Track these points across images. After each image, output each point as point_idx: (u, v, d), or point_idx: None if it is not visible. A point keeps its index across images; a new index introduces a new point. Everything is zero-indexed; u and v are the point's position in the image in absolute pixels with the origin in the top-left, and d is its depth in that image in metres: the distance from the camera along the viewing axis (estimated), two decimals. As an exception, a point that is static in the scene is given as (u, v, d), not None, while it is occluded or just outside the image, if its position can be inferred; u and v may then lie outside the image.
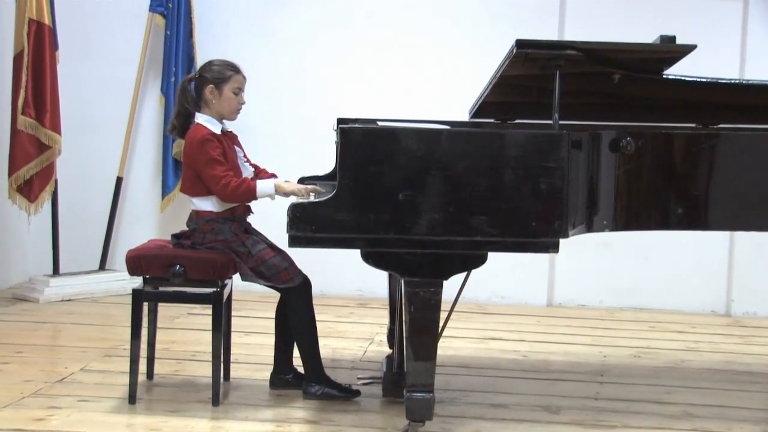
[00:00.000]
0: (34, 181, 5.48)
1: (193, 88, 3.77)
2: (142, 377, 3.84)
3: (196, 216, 3.76)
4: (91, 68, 6.07)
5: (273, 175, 3.89)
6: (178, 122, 3.81)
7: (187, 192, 3.78)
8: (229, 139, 3.79)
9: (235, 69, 3.78)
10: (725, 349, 4.96)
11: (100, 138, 6.08)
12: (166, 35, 5.84)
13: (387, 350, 4.36)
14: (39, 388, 3.83)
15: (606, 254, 5.90)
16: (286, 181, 3.73)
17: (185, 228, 3.81)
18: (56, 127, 5.48)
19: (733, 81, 3.93)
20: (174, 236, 3.79)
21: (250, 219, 3.85)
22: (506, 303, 5.98)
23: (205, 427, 3.44)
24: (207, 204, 3.72)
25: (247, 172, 3.80)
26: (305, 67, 6.02)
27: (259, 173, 3.91)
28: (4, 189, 5.51)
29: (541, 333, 5.21)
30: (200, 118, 3.74)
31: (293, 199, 3.47)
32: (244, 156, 3.86)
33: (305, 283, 3.75)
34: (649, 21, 5.62)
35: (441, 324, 3.23)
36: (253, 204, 3.79)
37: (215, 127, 3.73)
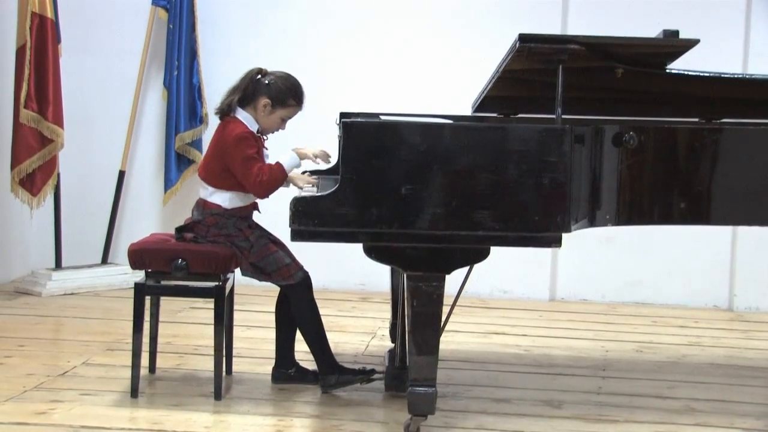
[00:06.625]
0: (37, 175, 5.47)
1: (258, 87, 3.70)
2: (144, 371, 3.84)
3: (203, 205, 3.74)
4: (93, 62, 6.06)
5: None
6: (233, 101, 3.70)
7: (205, 179, 3.75)
8: (260, 140, 3.78)
9: (299, 100, 3.74)
10: (727, 344, 4.96)
11: (102, 131, 6.07)
12: (168, 29, 5.83)
13: (389, 344, 4.36)
14: (41, 381, 3.83)
15: (608, 249, 5.88)
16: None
17: (188, 217, 3.80)
18: (59, 121, 5.48)
19: (736, 75, 3.92)
20: (177, 229, 3.78)
21: (256, 217, 3.85)
22: (509, 297, 5.97)
23: (207, 420, 3.45)
24: (220, 198, 3.70)
25: None
26: (308, 61, 5.99)
27: None
28: (7, 182, 5.51)
29: (544, 327, 5.21)
30: (241, 114, 3.71)
31: (295, 192, 3.47)
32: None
33: (305, 280, 3.75)
34: (651, 15, 5.60)
35: (443, 318, 3.23)
36: (262, 203, 3.78)
37: (252, 126, 3.72)
